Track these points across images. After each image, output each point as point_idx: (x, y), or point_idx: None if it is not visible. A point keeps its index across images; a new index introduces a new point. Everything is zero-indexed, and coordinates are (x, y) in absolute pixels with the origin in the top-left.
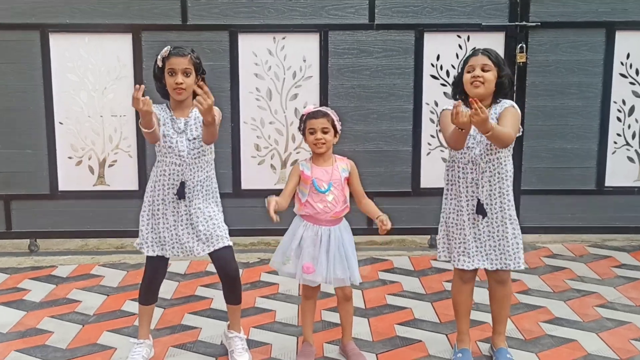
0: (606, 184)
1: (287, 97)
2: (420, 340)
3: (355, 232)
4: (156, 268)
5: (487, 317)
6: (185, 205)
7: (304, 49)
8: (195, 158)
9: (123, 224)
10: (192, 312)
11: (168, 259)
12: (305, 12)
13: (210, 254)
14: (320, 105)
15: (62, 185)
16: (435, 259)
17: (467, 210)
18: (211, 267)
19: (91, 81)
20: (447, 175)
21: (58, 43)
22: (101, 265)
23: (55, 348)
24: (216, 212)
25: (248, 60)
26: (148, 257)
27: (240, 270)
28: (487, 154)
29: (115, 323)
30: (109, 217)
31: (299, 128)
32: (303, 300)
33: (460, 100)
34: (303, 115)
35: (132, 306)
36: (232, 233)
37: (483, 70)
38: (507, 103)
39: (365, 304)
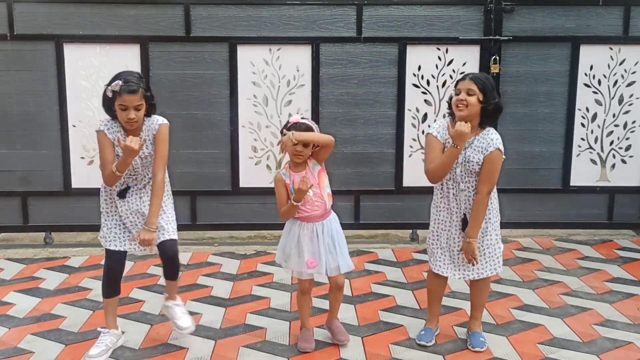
0: (571, 184)
1: (281, 104)
2: (402, 325)
3: (342, 227)
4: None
5: (463, 304)
6: (137, 205)
7: (297, 60)
8: (144, 169)
9: None
10: (193, 300)
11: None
12: (298, 25)
13: (158, 245)
14: (312, 111)
15: (75, 183)
16: (416, 252)
17: (455, 224)
18: (215, 259)
19: (102, 87)
20: (437, 188)
21: (71, 52)
22: None
23: (67, 332)
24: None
25: (246, 69)
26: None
27: (238, 261)
28: (467, 175)
29: (122, 309)
30: None
31: (281, 132)
32: (300, 295)
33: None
34: (288, 122)
35: (138, 293)
36: (231, 227)
37: (468, 94)
38: (493, 143)
39: (352, 291)
